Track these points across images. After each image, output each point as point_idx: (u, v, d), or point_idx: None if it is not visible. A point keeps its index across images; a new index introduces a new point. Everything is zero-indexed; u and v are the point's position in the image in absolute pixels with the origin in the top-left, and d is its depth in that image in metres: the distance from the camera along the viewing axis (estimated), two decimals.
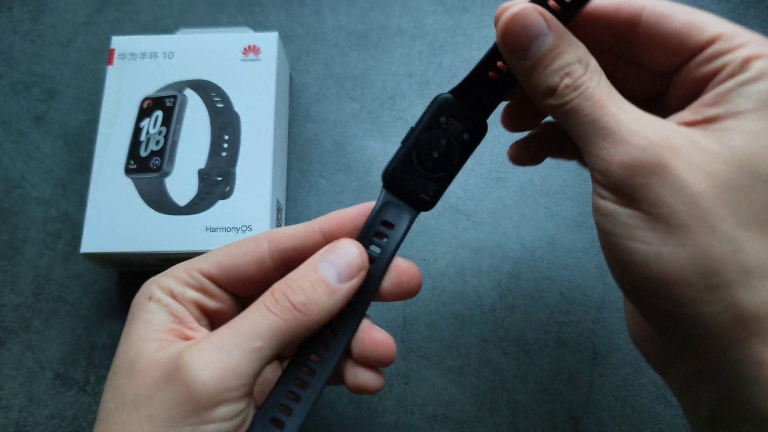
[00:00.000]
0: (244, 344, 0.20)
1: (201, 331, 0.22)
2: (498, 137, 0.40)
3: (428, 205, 0.24)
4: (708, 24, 0.20)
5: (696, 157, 0.18)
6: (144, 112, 0.36)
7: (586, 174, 0.39)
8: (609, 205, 0.19)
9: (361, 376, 0.23)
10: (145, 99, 0.37)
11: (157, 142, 0.36)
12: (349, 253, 0.22)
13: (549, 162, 0.39)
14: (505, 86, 0.23)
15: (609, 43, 0.22)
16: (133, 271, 0.38)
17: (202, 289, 0.23)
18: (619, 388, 0.33)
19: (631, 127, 0.18)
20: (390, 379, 0.34)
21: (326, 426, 0.33)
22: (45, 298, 0.37)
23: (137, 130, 0.36)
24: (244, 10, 0.44)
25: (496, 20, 0.21)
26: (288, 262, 0.23)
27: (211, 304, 0.24)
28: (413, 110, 0.41)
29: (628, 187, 0.18)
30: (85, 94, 0.42)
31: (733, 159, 0.17)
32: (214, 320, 0.24)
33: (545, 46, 0.20)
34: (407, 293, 0.24)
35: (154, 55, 0.38)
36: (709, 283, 0.17)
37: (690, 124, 0.19)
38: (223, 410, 0.19)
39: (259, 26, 0.44)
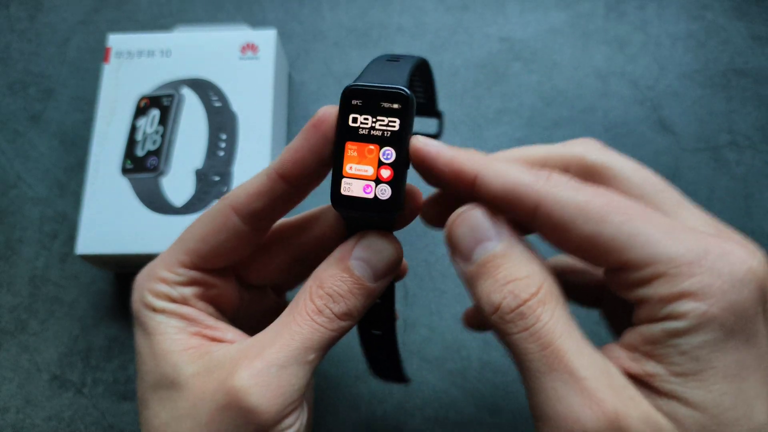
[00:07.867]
0: (298, 359, 0.19)
1: (219, 327, 0.22)
2: (500, 137, 0.39)
3: None
4: (643, 240, 0.17)
5: None
6: (141, 111, 0.36)
7: None
8: None
9: None
10: (142, 98, 0.36)
11: (154, 142, 0.35)
12: (384, 250, 0.20)
13: None
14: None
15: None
16: (130, 272, 0.37)
17: (193, 282, 0.22)
18: None
19: (581, 397, 0.17)
20: (390, 383, 0.34)
21: (327, 430, 0.33)
22: (42, 299, 0.37)
23: (134, 130, 0.36)
24: (242, 8, 0.44)
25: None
26: (262, 219, 0.22)
27: (209, 292, 0.23)
28: None
29: None
30: (82, 94, 0.42)
31: None
32: (216, 302, 0.23)
33: (489, 252, 0.18)
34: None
35: (150, 53, 0.37)
36: None
37: (633, 376, 0.18)
38: (286, 422, 0.19)
39: (257, 24, 0.43)
